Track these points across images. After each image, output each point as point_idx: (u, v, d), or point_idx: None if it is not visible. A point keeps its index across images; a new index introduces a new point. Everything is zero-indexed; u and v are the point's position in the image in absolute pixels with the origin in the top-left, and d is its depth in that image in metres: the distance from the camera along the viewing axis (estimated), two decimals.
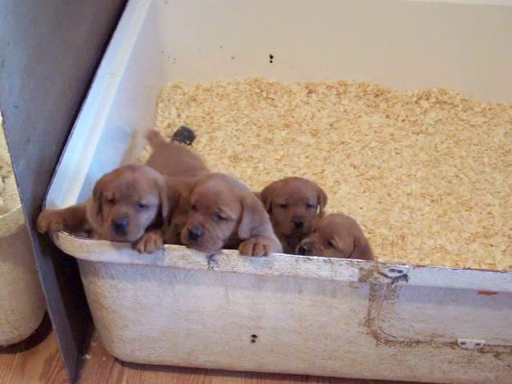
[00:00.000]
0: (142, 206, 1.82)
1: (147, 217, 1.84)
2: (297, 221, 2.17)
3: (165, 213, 1.87)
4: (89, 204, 1.93)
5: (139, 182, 1.83)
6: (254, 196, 1.93)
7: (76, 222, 1.90)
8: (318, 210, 2.26)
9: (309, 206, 2.22)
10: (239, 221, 1.85)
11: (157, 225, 1.92)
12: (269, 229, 1.95)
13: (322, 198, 2.27)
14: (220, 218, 1.84)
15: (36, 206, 1.91)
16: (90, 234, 1.97)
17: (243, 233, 1.86)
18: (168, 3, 3.10)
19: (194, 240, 1.82)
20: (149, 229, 1.87)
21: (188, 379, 2.28)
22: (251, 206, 1.87)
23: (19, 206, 1.88)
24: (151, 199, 1.84)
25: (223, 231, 1.85)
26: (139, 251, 1.82)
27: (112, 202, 1.82)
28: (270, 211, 2.15)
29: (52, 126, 2.08)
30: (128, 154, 2.66)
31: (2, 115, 1.68)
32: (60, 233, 1.87)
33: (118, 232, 1.80)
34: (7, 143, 1.73)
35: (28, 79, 1.85)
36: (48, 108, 2.04)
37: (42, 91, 1.97)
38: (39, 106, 1.95)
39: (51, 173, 2.03)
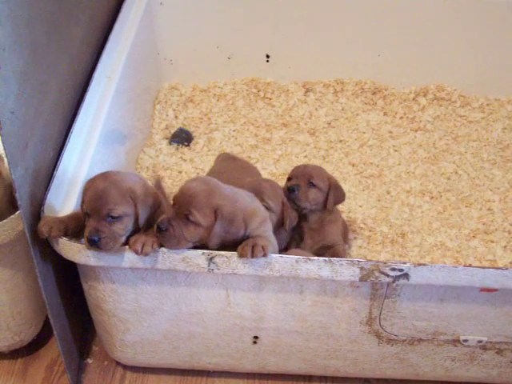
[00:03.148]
0: (114, 217, 1.82)
1: (122, 227, 1.83)
2: (290, 187, 2.30)
3: (141, 222, 1.86)
4: None
5: (109, 193, 1.81)
6: (234, 207, 1.88)
7: (77, 229, 1.89)
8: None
9: (312, 184, 2.30)
10: (210, 228, 1.85)
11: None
12: (268, 229, 1.95)
13: (332, 190, 2.32)
14: (188, 219, 1.83)
15: (34, 211, 1.90)
16: None
17: (211, 242, 1.86)
18: (163, 4, 3.10)
19: (160, 234, 1.83)
20: (151, 226, 1.87)
21: (190, 382, 2.28)
22: (227, 217, 1.85)
23: (18, 211, 1.88)
24: (124, 210, 1.82)
25: (189, 233, 1.84)
26: (136, 252, 1.82)
27: (87, 214, 1.83)
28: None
29: (49, 131, 2.08)
30: (126, 157, 2.65)
31: None
32: (60, 238, 1.86)
33: (93, 247, 1.80)
34: (4, 149, 1.72)
35: (24, 84, 1.84)
36: (45, 113, 2.03)
37: (38, 96, 1.97)
38: (36, 111, 1.95)
39: (49, 178, 2.02)
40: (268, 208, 2.18)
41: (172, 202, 1.89)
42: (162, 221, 1.83)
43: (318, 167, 2.42)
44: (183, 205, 1.84)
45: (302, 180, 2.32)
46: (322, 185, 2.32)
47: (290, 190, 2.30)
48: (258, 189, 2.25)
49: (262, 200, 2.18)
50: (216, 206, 1.85)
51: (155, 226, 1.84)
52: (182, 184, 1.92)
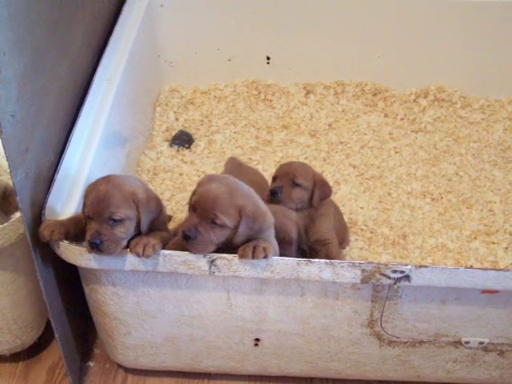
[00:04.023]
0: (115, 220, 1.82)
1: (124, 230, 1.84)
2: (272, 189, 2.29)
3: (143, 227, 1.86)
4: None
5: (111, 196, 1.82)
6: (256, 204, 1.90)
7: (78, 232, 1.89)
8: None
9: (295, 184, 2.29)
10: (236, 228, 1.85)
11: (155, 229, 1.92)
12: (271, 234, 1.95)
13: (317, 187, 2.31)
14: (215, 223, 1.83)
15: (35, 214, 1.90)
16: None
17: (238, 240, 1.86)
18: (164, 7, 3.10)
19: (186, 241, 1.82)
20: (151, 230, 1.88)
21: None
22: (251, 215, 1.85)
23: (18, 215, 1.88)
24: (126, 213, 1.83)
25: (217, 236, 1.84)
26: (137, 255, 1.82)
27: (89, 217, 1.83)
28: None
29: (50, 134, 2.08)
30: (127, 159, 2.65)
31: (0, 125, 1.67)
32: (61, 241, 1.86)
33: (94, 250, 1.80)
34: (5, 152, 1.72)
35: (25, 88, 1.84)
36: (45, 116, 2.03)
37: (39, 99, 1.97)
38: (37, 114, 1.95)
39: (50, 181, 2.02)
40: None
41: (191, 206, 1.87)
42: (189, 229, 1.82)
43: (302, 165, 2.41)
44: (207, 209, 1.83)
45: (285, 180, 2.31)
46: (306, 184, 2.31)
47: (272, 193, 2.29)
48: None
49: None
50: (240, 205, 1.85)
51: (181, 234, 1.83)
52: (199, 186, 1.89)
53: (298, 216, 2.28)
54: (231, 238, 1.86)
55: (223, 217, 1.82)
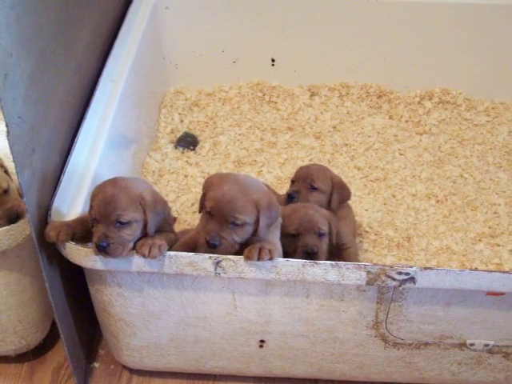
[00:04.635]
0: (122, 223, 1.82)
1: (131, 232, 1.84)
2: (289, 193, 2.28)
3: (150, 229, 1.87)
4: None
5: (118, 199, 1.82)
6: (268, 193, 1.93)
7: (83, 233, 1.90)
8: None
9: (313, 187, 2.29)
10: (256, 222, 1.87)
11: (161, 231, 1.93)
12: (276, 235, 1.96)
13: (335, 190, 2.33)
14: (236, 225, 1.85)
15: (42, 215, 1.91)
16: None
17: (262, 232, 1.88)
18: (169, 9, 3.10)
19: (213, 249, 1.84)
20: (157, 232, 1.89)
21: None
22: (266, 206, 1.88)
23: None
24: (132, 215, 1.83)
25: (240, 236, 1.87)
26: (143, 256, 1.82)
27: (95, 220, 1.83)
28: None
29: (56, 135, 2.08)
30: (132, 161, 2.66)
31: (7, 126, 1.67)
32: (67, 242, 1.87)
33: (101, 252, 1.81)
34: (12, 153, 1.73)
35: (31, 89, 1.85)
36: (52, 117, 2.04)
37: (45, 101, 1.97)
38: (43, 115, 1.95)
39: (56, 182, 2.03)
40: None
41: (207, 212, 1.87)
42: (213, 238, 1.83)
43: (321, 168, 2.41)
44: (225, 213, 1.84)
45: (303, 184, 2.31)
46: (323, 187, 2.32)
47: (289, 197, 2.29)
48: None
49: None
50: (255, 200, 1.87)
51: (205, 242, 1.84)
52: (210, 190, 1.89)
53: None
54: (254, 233, 1.89)
55: (243, 216, 1.84)
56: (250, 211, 1.85)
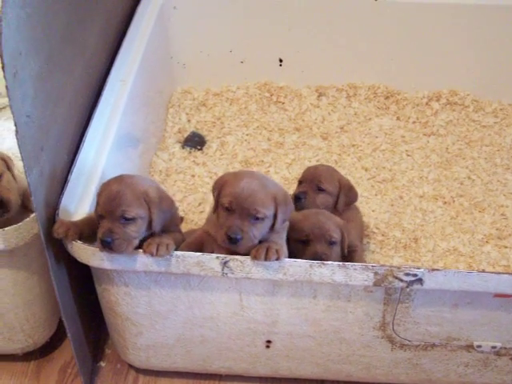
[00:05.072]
0: (127, 219, 1.83)
1: (136, 229, 1.85)
2: (296, 195, 2.28)
3: (155, 226, 1.87)
4: None
5: (123, 195, 1.83)
6: (283, 189, 1.95)
7: (91, 233, 1.90)
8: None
9: (320, 189, 2.29)
10: (274, 217, 1.89)
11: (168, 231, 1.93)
12: (282, 237, 1.96)
13: (342, 192, 2.32)
14: (257, 218, 1.86)
15: (49, 214, 1.91)
16: None
17: (279, 226, 1.91)
18: (177, 9, 3.10)
19: (234, 244, 1.85)
20: (163, 232, 1.89)
21: None
22: (283, 199, 1.90)
23: (33, 214, 1.89)
24: (137, 212, 1.84)
25: (260, 230, 1.88)
26: (151, 254, 1.82)
27: (101, 216, 1.84)
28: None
29: (64, 134, 2.09)
30: (139, 160, 2.66)
31: (15, 125, 1.68)
32: (74, 241, 1.87)
33: (106, 248, 1.81)
34: (20, 152, 1.73)
35: (40, 88, 1.85)
36: (60, 116, 2.04)
37: (53, 100, 1.98)
38: (51, 114, 1.96)
39: (64, 181, 2.03)
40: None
41: (226, 206, 1.87)
42: (235, 232, 1.84)
43: (329, 169, 2.40)
44: (247, 207, 1.85)
45: (310, 185, 2.31)
46: (330, 188, 2.32)
47: (296, 199, 2.29)
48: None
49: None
50: (273, 193, 1.89)
51: (226, 238, 1.85)
52: (227, 187, 1.89)
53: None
54: (272, 227, 1.90)
55: (264, 210, 1.86)
56: (270, 205, 1.87)
